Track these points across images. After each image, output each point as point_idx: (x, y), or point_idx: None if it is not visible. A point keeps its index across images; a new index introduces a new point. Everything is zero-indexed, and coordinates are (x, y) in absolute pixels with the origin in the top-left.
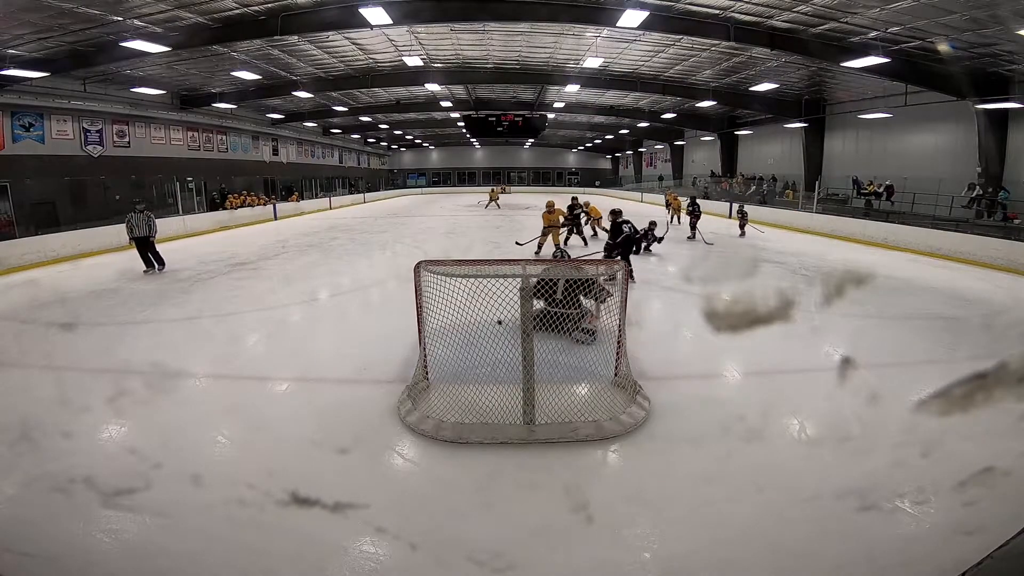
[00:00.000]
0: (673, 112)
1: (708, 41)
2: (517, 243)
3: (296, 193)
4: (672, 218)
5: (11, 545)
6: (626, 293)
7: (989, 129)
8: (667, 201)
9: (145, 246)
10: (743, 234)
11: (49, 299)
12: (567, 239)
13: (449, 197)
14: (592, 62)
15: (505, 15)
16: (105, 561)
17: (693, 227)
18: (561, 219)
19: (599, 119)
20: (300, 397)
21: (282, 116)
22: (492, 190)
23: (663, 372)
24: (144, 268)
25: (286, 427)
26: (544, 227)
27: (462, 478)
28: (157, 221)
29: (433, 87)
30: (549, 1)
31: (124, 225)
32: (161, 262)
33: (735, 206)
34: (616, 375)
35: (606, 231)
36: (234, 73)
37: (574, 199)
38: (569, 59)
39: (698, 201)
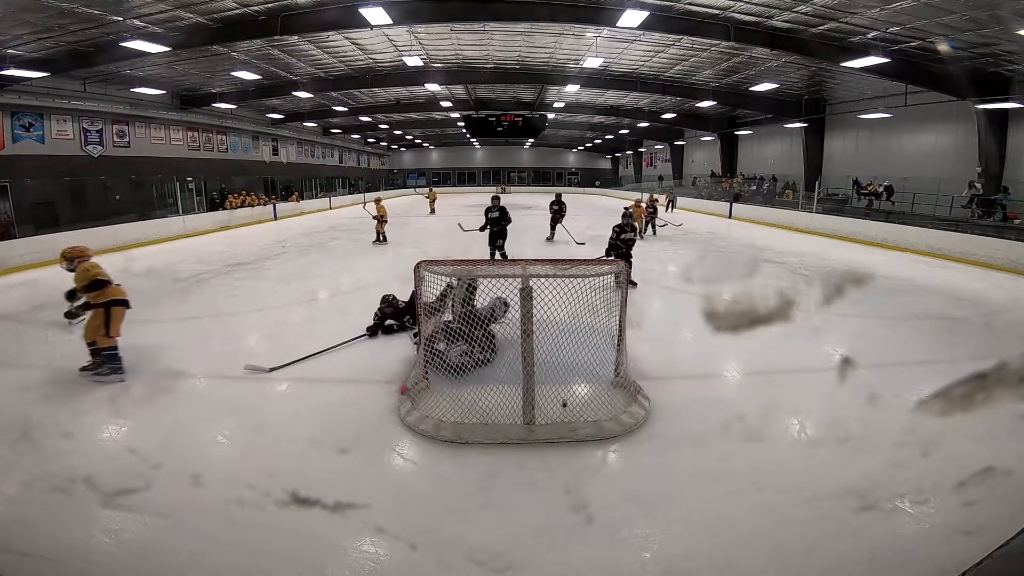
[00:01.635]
0: (673, 112)
1: (708, 41)
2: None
3: (296, 193)
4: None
5: (11, 545)
6: (626, 293)
7: (989, 129)
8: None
9: None
10: (654, 232)
11: (49, 299)
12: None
13: (449, 197)
14: (592, 62)
15: (505, 15)
16: (105, 561)
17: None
18: None
19: (599, 119)
20: (300, 397)
21: (282, 116)
22: (431, 190)
23: (663, 372)
24: None
25: (286, 427)
26: None
27: (462, 478)
28: (157, 222)
29: (433, 87)
30: (549, 1)
31: None
32: None
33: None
34: (616, 375)
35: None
36: (234, 73)
37: (496, 198)
38: (569, 59)
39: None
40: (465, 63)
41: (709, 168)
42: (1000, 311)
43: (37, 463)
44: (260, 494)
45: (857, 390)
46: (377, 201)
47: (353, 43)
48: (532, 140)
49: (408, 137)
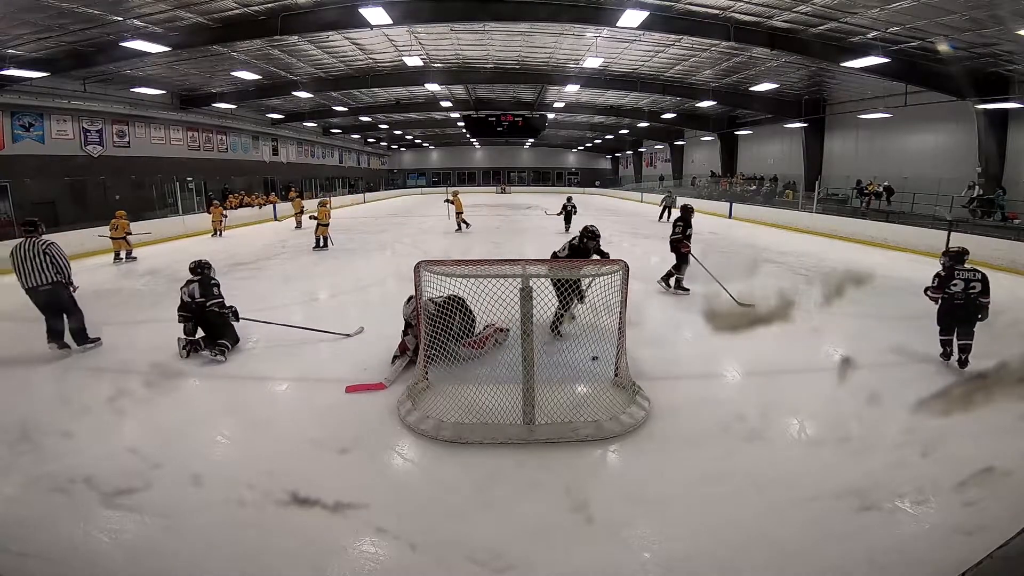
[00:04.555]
0: (673, 112)
1: (708, 41)
2: None
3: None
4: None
5: (11, 545)
6: (625, 293)
7: (989, 129)
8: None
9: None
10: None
11: None
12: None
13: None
14: (592, 62)
15: (505, 15)
16: (105, 561)
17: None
18: None
19: (599, 119)
20: (300, 397)
21: (282, 116)
22: (216, 204)
23: (663, 372)
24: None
25: (286, 427)
26: None
27: (462, 478)
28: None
29: (433, 87)
30: (549, 1)
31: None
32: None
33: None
34: (616, 375)
35: None
36: (234, 73)
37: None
38: (569, 59)
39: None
40: (465, 63)
41: (709, 168)
42: (1000, 311)
43: (37, 463)
44: (260, 494)
45: (857, 390)
46: (455, 194)
47: (353, 43)
48: (532, 140)
49: (408, 137)
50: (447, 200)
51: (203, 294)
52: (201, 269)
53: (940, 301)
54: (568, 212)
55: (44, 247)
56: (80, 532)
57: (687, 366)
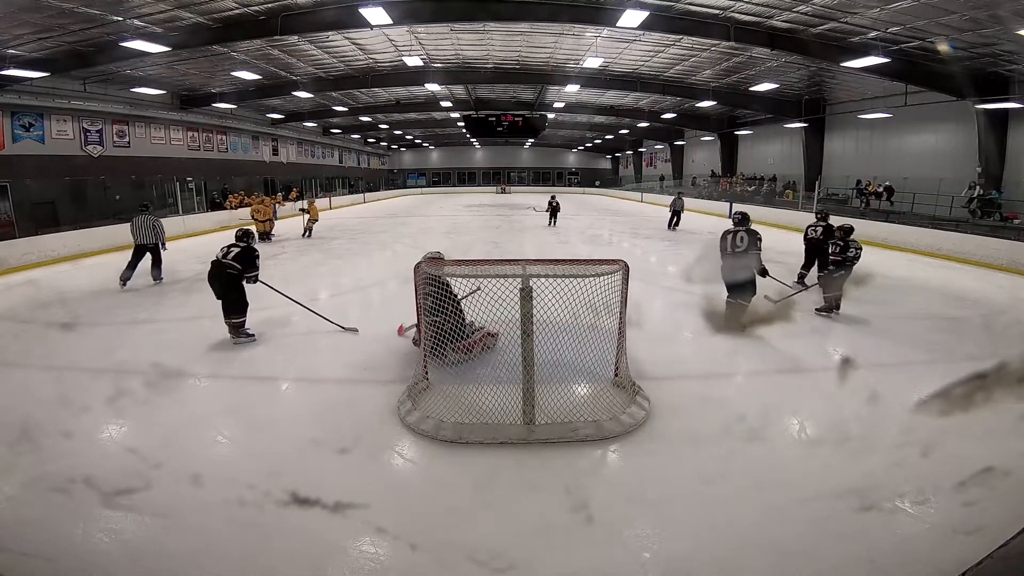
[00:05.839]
0: (673, 112)
1: (708, 41)
2: None
3: (295, 190)
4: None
5: (11, 545)
6: (625, 293)
7: (989, 129)
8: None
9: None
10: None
11: (49, 299)
12: None
13: (449, 197)
14: (592, 62)
15: (505, 15)
16: (105, 561)
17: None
18: None
19: (599, 119)
20: (300, 397)
21: (282, 116)
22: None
23: (663, 372)
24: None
25: (286, 427)
26: None
27: (462, 478)
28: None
29: (433, 87)
30: (549, 1)
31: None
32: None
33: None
34: (616, 375)
35: None
36: (234, 73)
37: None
38: (569, 59)
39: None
40: (465, 63)
41: (709, 168)
42: (1000, 311)
43: (37, 463)
44: (260, 494)
45: (857, 390)
46: (311, 203)
47: (353, 43)
48: (532, 140)
49: (408, 137)
50: (303, 209)
51: (245, 267)
52: (247, 238)
53: (836, 264)
54: (553, 208)
55: (154, 221)
56: (80, 532)
57: (687, 366)
